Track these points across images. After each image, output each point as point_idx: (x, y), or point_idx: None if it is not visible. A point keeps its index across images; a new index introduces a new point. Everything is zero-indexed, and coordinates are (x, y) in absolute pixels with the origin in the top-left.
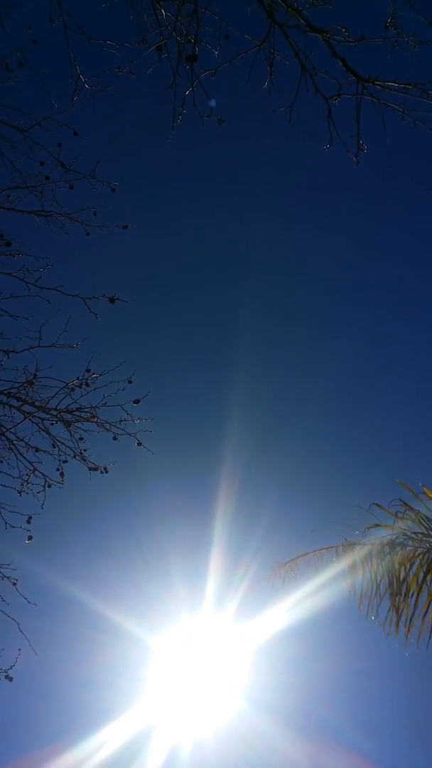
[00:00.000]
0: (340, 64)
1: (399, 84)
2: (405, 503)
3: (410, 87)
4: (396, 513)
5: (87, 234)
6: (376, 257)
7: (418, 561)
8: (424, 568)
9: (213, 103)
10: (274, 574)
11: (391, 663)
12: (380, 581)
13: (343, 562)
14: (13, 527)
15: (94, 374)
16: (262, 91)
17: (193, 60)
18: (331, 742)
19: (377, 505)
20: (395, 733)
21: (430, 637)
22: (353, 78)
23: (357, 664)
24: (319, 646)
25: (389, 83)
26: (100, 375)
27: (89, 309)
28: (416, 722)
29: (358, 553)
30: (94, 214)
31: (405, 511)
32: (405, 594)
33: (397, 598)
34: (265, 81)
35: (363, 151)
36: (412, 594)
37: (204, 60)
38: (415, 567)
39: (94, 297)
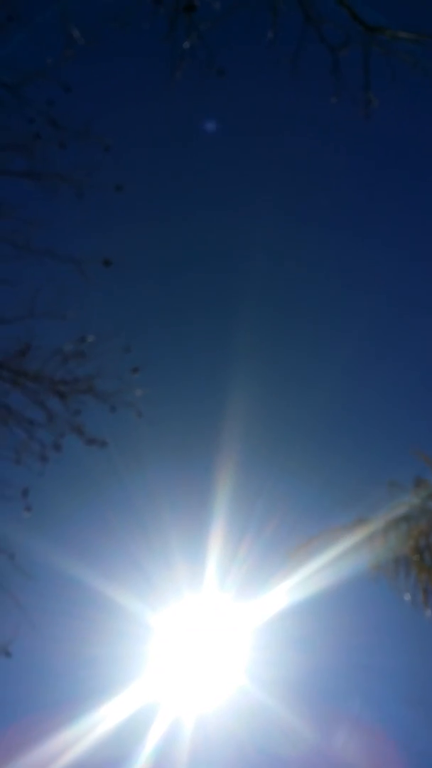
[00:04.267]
0: (347, 12)
1: (410, 34)
2: (419, 478)
3: (422, 37)
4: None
5: (80, 195)
6: (383, 221)
7: None
8: None
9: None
10: (292, 557)
11: (395, 636)
12: (399, 554)
13: (356, 538)
14: (9, 500)
15: (89, 339)
16: (265, 43)
17: (191, 10)
18: (336, 715)
19: (392, 481)
20: (400, 704)
21: None
22: (361, 28)
23: (362, 639)
24: (322, 622)
25: (399, 33)
26: (96, 342)
27: (83, 273)
28: (421, 693)
29: (371, 528)
30: (87, 174)
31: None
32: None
33: (420, 571)
34: (267, 31)
35: (372, 103)
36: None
37: (203, 12)
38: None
39: (87, 260)
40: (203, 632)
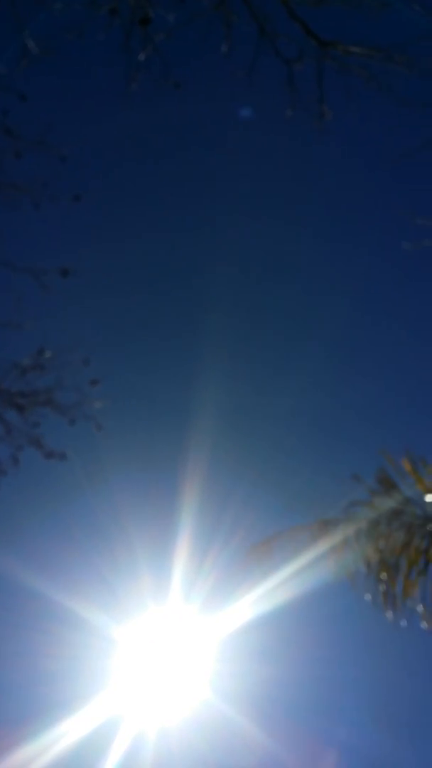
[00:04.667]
0: (300, 27)
1: (362, 49)
2: (384, 476)
3: (374, 52)
4: (374, 489)
5: (36, 205)
6: (337, 232)
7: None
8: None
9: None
10: (248, 558)
11: (358, 650)
12: (363, 560)
13: (319, 546)
14: None
15: (47, 352)
16: (220, 56)
17: (146, 23)
18: (300, 729)
19: (356, 476)
20: (364, 718)
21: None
22: (314, 42)
23: (327, 651)
24: (288, 634)
25: (352, 48)
26: (54, 354)
27: (40, 283)
28: (385, 707)
29: (335, 536)
30: (44, 184)
31: (383, 488)
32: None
33: (387, 580)
34: (222, 44)
35: (326, 116)
36: (401, 575)
37: (159, 24)
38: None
39: (45, 270)
40: (167, 645)
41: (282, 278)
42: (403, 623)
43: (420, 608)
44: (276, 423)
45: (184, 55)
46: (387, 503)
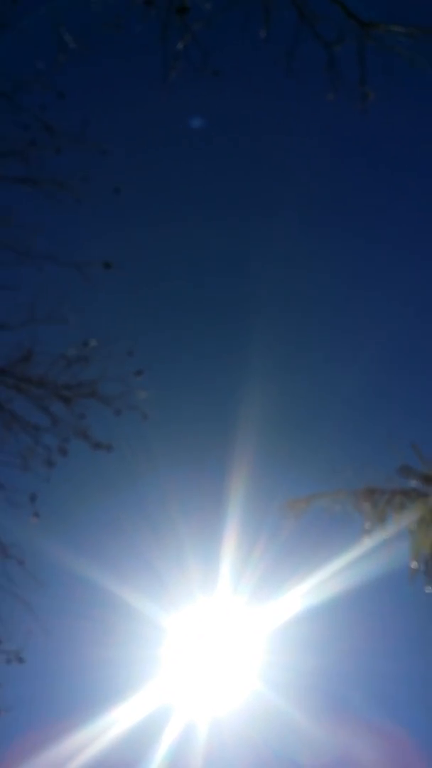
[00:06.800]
0: (340, 9)
1: (404, 28)
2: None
3: (415, 31)
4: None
5: (78, 199)
6: (383, 217)
7: None
8: None
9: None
10: (286, 512)
11: (413, 641)
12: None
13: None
14: (17, 506)
15: (91, 343)
16: (259, 42)
17: (184, 12)
18: (352, 721)
19: (415, 447)
20: (418, 709)
21: None
22: (354, 23)
23: (379, 643)
24: (338, 626)
25: (393, 27)
26: (98, 346)
27: (84, 277)
28: None
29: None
30: (84, 178)
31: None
32: None
33: None
34: (261, 30)
35: (368, 98)
36: None
37: (195, 12)
38: None
39: (87, 263)
40: (217, 635)
41: (329, 265)
42: None
43: None
44: (327, 412)
45: (222, 42)
46: None
